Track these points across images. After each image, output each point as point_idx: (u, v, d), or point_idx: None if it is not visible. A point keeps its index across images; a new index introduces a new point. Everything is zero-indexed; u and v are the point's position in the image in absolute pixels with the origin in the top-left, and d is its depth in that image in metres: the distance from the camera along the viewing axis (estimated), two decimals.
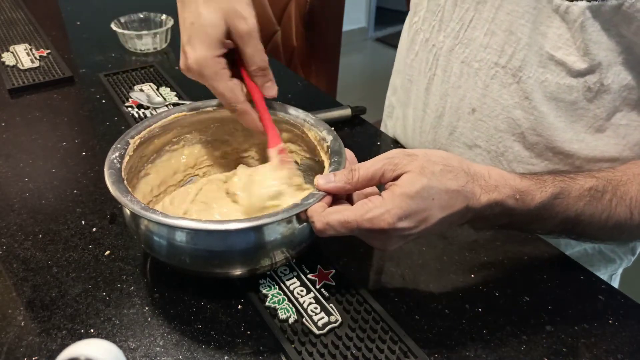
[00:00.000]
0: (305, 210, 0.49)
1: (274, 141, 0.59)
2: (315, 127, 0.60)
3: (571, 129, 0.62)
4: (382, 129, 0.93)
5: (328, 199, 0.50)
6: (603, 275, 0.80)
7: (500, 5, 0.62)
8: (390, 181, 0.48)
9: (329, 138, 0.58)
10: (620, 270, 0.81)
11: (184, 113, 0.62)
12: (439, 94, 0.72)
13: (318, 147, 0.60)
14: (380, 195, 0.48)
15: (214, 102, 0.64)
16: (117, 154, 0.55)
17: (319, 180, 0.50)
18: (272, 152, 0.59)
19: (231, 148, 0.68)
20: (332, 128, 0.60)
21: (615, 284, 0.83)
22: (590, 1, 0.54)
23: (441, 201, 0.46)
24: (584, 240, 0.63)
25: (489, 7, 0.63)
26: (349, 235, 0.48)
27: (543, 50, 0.60)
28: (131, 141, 0.57)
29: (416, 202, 0.46)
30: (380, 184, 0.49)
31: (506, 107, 0.65)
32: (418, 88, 0.76)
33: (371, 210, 0.46)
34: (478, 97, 0.67)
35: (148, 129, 0.59)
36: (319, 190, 0.50)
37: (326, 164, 0.56)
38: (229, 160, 0.69)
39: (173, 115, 0.62)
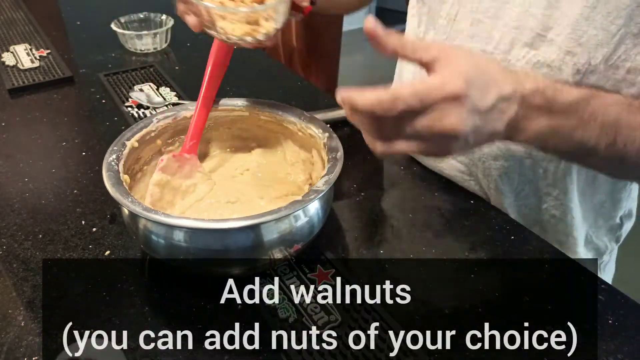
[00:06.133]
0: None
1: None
2: (309, 125, 0.61)
3: None
4: None
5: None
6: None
7: None
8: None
9: (325, 135, 0.58)
10: (606, 260, 0.81)
11: (176, 115, 0.63)
12: None
13: (314, 144, 0.60)
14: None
15: None
16: (114, 156, 0.55)
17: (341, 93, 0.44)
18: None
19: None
20: (328, 125, 0.60)
21: (605, 275, 0.83)
22: None
23: (496, 73, 0.45)
24: (626, 166, 0.57)
25: None
26: (395, 131, 0.44)
27: (534, 32, 0.60)
28: (127, 143, 0.57)
29: (474, 70, 0.43)
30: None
31: None
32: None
33: (435, 77, 0.41)
34: None
35: (144, 131, 0.60)
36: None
37: (324, 159, 0.56)
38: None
39: (168, 117, 0.62)
